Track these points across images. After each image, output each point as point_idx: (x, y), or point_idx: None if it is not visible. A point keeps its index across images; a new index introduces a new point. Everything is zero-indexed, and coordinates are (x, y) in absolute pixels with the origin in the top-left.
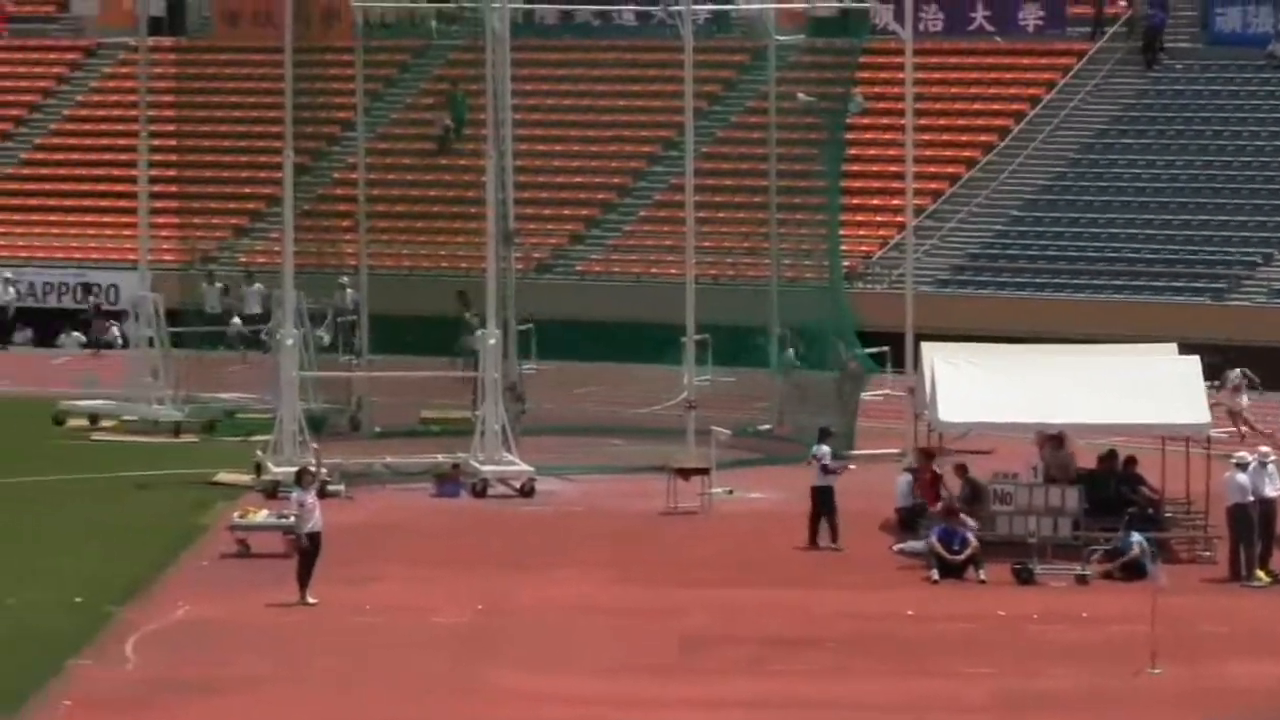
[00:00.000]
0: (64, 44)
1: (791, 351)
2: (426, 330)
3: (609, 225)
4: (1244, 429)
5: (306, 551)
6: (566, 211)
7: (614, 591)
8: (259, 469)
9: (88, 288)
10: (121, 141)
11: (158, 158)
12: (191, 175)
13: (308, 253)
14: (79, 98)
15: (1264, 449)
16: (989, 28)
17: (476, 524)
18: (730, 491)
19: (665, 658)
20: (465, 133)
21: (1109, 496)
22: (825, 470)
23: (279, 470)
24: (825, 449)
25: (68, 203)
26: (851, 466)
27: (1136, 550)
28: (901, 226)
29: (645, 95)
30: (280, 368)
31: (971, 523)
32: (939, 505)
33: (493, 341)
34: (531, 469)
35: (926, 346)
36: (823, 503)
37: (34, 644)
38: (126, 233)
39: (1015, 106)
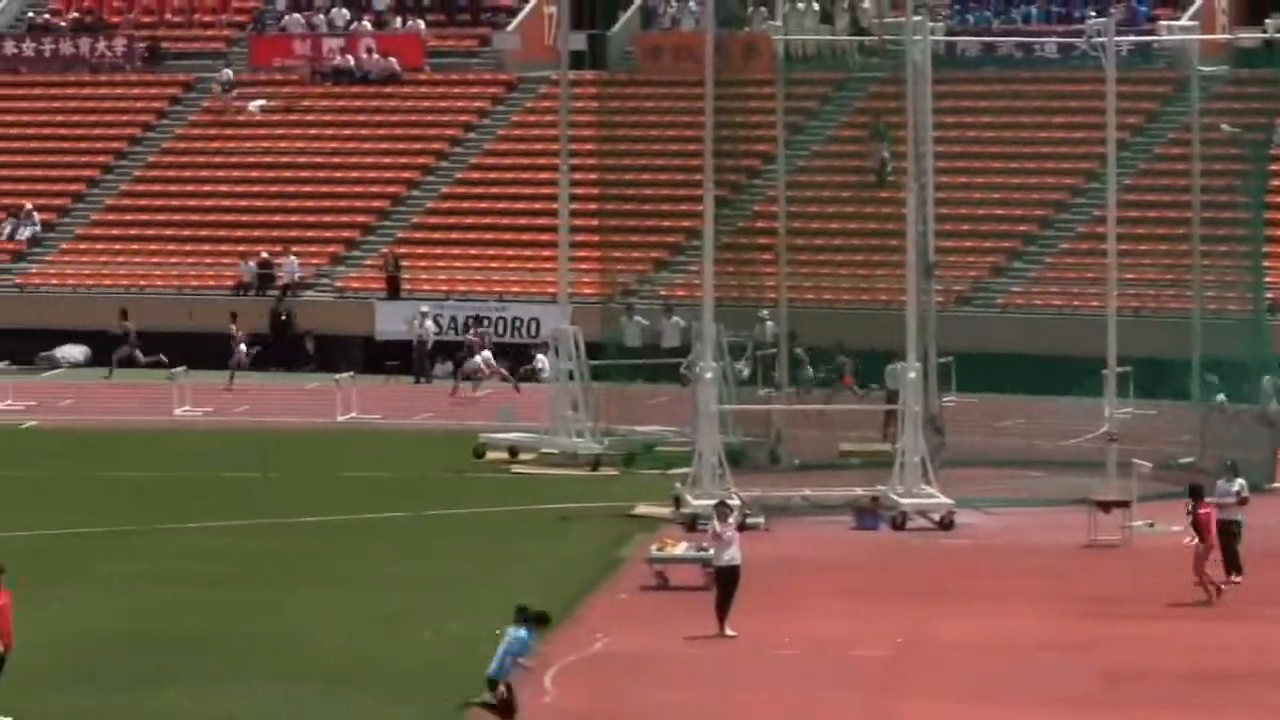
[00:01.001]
0: (485, 78)
1: (1214, 383)
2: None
3: (1030, 257)
4: None
5: (726, 584)
6: (987, 244)
7: (1034, 625)
8: (678, 502)
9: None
10: (542, 175)
11: (578, 191)
12: (612, 209)
13: (727, 286)
14: (500, 131)
15: None
16: None
17: (895, 557)
18: (1152, 525)
19: (1087, 691)
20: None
21: None
22: (1228, 504)
23: (697, 503)
24: (1240, 481)
25: (487, 236)
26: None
27: None
28: None
29: (1067, 127)
30: (699, 401)
31: None
32: None
33: (913, 374)
34: (951, 502)
35: None
36: (1229, 535)
37: (454, 678)
38: (547, 266)
39: None
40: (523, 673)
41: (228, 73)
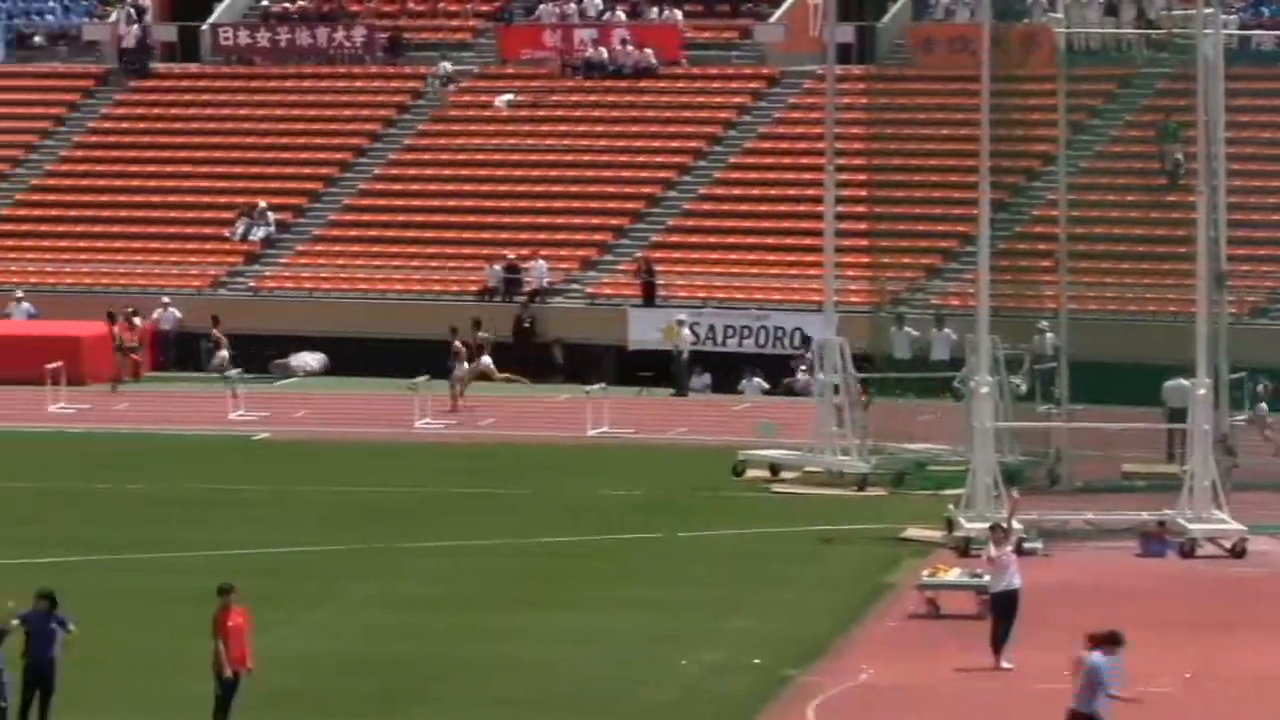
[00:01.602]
0: (746, 72)
1: None
2: (1131, 378)
3: None
4: None
5: (1002, 613)
6: None
7: None
8: (950, 524)
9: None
10: (806, 175)
11: (845, 193)
12: (881, 211)
13: (1004, 295)
14: (761, 129)
15: None
16: None
17: (1184, 586)
18: None
19: None
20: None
21: None
22: None
23: (971, 526)
24: None
25: (747, 240)
26: None
27: None
28: None
29: None
30: (974, 417)
31: None
32: None
33: (1203, 391)
34: (1244, 528)
35: None
36: None
37: (708, 708)
38: (810, 272)
39: None
40: (1109, 704)
41: (446, 65)
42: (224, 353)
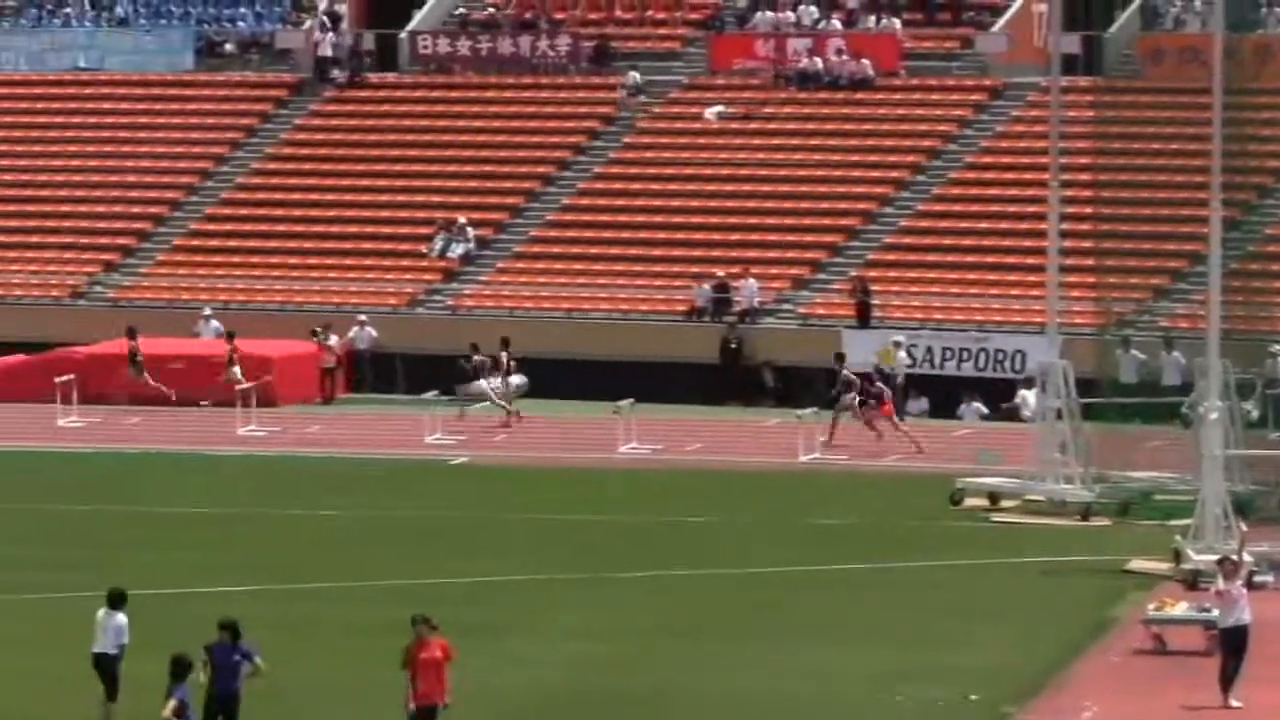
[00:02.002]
0: (967, 83)
1: None
2: None
3: None
4: None
5: (1232, 648)
6: None
7: None
8: (1178, 556)
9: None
10: (1029, 192)
11: (1070, 210)
12: (1107, 229)
13: (1235, 316)
14: (983, 143)
15: None
16: None
17: None
18: None
19: None
20: None
21: None
22: None
23: (1200, 558)
24: None
25: (968, 259)
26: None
27: None
28: None
29: None
30: (1203, 444)
31: None
32: None
33: None
34: None
35: None
36: None
37: None
38: (1033, 293)
39: None
40: None
41: (635, 75)
42: (516, 379)
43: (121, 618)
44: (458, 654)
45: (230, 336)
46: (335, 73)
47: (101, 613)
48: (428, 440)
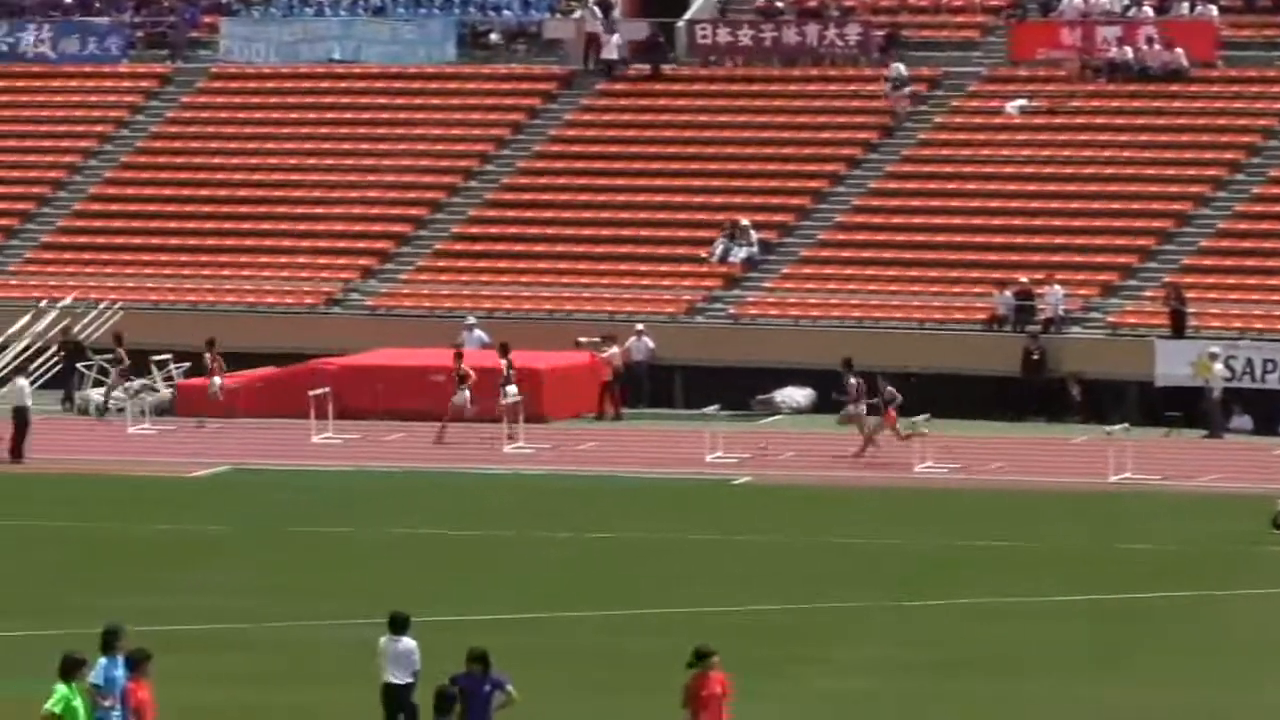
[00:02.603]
0: None
1: None
2: None
3: None
4: None
5: None
6: None
7: None
8: None
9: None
10: None
11: None
12: None
13: None
14: None
15: None
16: None
17: None
18: None
19: None
20: None
21: None
22: None
23: None
24: None
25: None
26: None
27: None
28: None
29: None
30: None
31: None
32: None
33: None
34: None
35: None
36: None
37: None
38: None
39: None
40: None
41: (899, 68)
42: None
43: (409, 643)
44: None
45: (504, 350)
46: (608, 63)
47: (384, 640)
48: (708, 459)
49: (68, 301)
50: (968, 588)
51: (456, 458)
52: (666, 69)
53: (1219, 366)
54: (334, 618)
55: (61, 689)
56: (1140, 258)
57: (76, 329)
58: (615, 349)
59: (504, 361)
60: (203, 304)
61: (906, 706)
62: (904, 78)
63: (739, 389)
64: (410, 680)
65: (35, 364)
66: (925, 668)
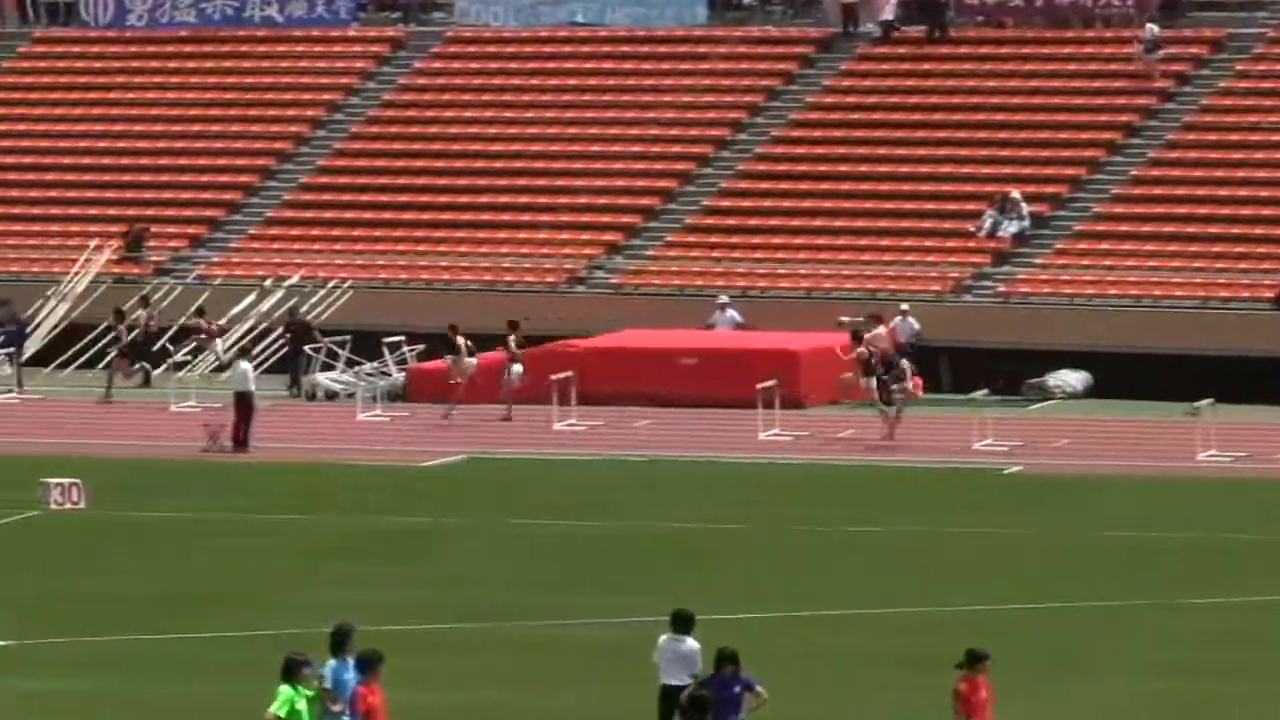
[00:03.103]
0: None
1: None
2: None
3: None
4: None
5: None
6: None
7: None
8: None
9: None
10: None
11: None
12: None
13: None
14: None
15: None
16: None
17: None
18: None
19: None
20: None
21: None
22: None
23: None
24: None
25: None
26: None
27: None
28: None
29: None
30: None
31: None
32: None
33: None
34: None
35: None
36: None
37: None
38: None
39: None
40: None
41: (1153, 28)
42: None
43: (692, 644)
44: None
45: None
46: (871, 26)
47: (664, 639)
48: (976, 446)
49: (294, 280)
50: (1248, 585)
51: (707, 444)
52: (912, 30)
53: None
54: (579, 615)
55: (286, 690)
56: None
57: (304, 309)
58: (881, 329)
59: (512, 339)
60: (437, 283)
61: (1180, 712)
62: (1156, 39)
63: (1009, 372)
64: (688, 683)
65: (259, 346)
66: (1200, 670)
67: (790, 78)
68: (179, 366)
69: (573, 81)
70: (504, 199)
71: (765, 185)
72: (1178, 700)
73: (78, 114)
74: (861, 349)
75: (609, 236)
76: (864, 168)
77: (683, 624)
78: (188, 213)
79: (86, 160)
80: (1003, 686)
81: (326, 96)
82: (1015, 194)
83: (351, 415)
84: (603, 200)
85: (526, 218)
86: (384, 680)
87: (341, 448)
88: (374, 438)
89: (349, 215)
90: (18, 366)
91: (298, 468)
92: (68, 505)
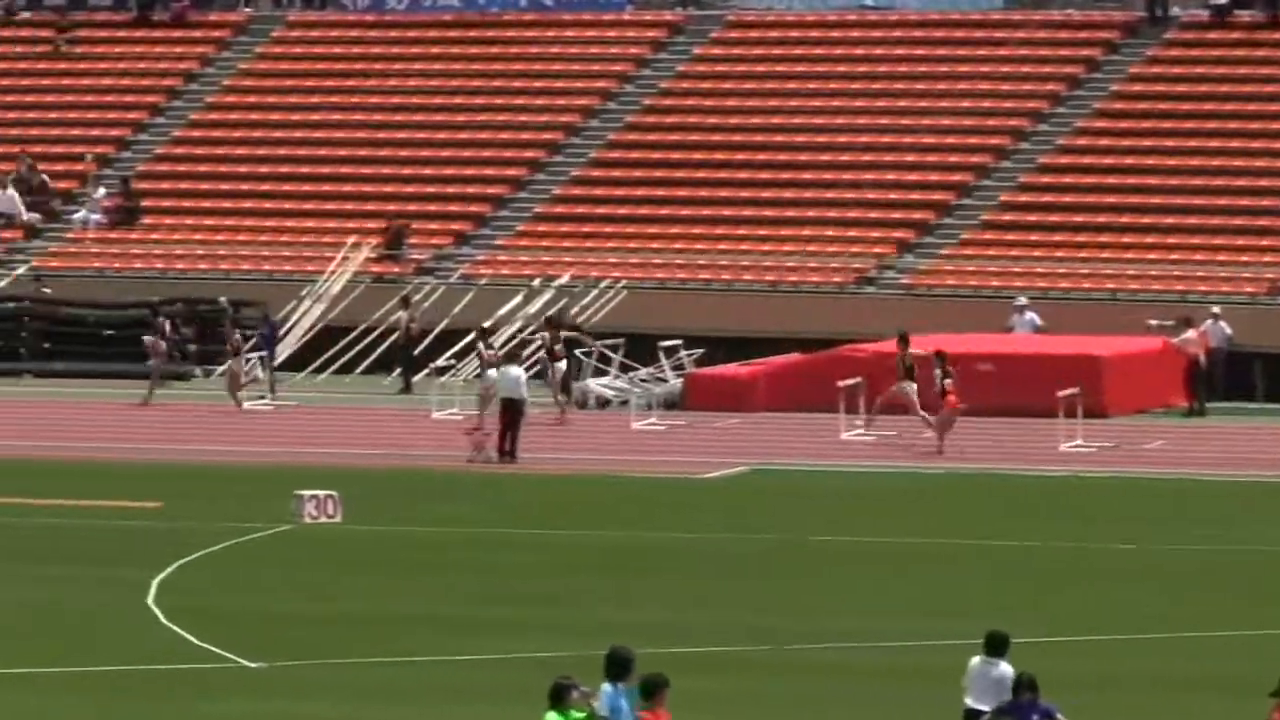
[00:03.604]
0: None
1: None
2: None
3: None
4: None
5: None
6: None
7: None
8: None
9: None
10: None
11: None
12: None
13: None
14: None
15: None
16: None
17: None
18: None
19: None
20: None
21: None
22: None
23: None
24: None
25: None
26: None
27: None
28: None
29: None
30: None
31: None
32: None
33: None
34: None
35: None
36: None
37: None
38: None
39: None
40: None
41: None
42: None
43: (1006, 668)
44: None
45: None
46: (1177, 11)
47: (976, 661)
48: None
49: (564, 280)
50: None
51: (1005, 456)
52: (1243, 15)
53: None
54: (864, 639)
55: (553, 717)
56: None
57: (574, 311)
58: (1192, 333)
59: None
60: (717, 283)
61: None
62: None
63: None
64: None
65: (529, 350)
66: None
67: (1094, 65)
68: (441, 371)
69: (861, 69)
70: (787, 193)
71: (1067, 179)
72: None
73: (334, 103)
74: None
75: (900, 234)
76: (1173, 161)
77: (996, 646)
78: (451, 208)
79: (343, 152)
80: None
81: (600, 84)
82: None
83: (626, 424)
84: (893, 195)
85: (811, 213)
86: (669, 705)
87: (615, 459)
88: (650, 447)
89: (622, 211)
90: (270, 371)
91: (568, 480)
92: (322, 518)
